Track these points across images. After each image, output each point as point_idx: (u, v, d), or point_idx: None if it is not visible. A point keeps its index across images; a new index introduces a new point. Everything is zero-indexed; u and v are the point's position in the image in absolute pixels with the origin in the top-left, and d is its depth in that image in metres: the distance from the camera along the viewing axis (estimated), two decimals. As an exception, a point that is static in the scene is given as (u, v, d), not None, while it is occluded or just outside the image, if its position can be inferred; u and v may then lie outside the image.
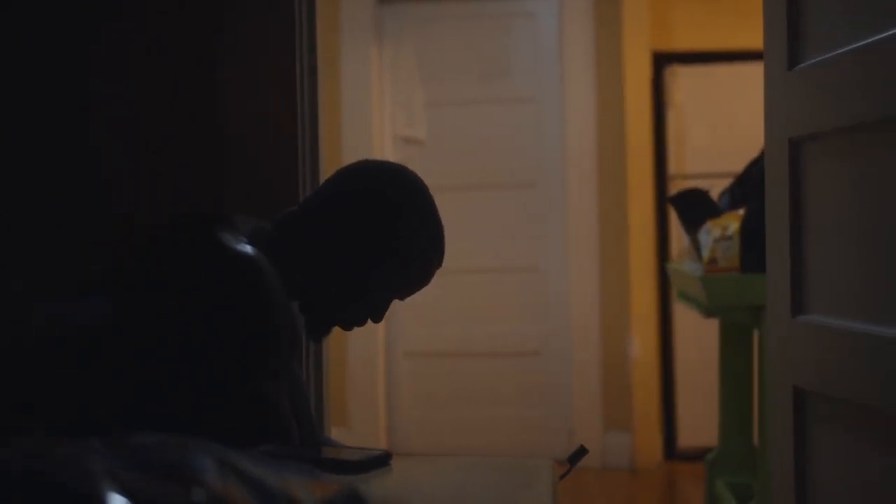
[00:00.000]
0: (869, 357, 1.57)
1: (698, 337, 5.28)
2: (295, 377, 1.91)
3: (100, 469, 0.75)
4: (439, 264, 1.92)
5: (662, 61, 5.34)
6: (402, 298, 1.93)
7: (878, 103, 1.52)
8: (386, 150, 5.40)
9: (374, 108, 5.30)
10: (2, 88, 2.26)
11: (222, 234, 1.71)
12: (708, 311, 3.08)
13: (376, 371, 5.32)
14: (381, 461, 1.39)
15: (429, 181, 5.39)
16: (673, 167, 5.33)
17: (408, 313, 5.43)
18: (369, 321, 1.85)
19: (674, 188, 5.29)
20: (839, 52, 1.65)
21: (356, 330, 5.24)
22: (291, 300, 1.91)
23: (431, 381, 5.43)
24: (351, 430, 5.31)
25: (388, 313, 5.43)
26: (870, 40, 1.56)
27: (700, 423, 5.30)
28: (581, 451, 1.65)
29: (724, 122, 5.25)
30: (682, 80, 5.26)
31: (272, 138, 2.22)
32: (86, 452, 0.77)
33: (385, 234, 1.84)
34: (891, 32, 1.50)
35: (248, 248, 1.70)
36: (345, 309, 1.88)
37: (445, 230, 5.33)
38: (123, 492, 0.74)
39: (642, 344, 5.25)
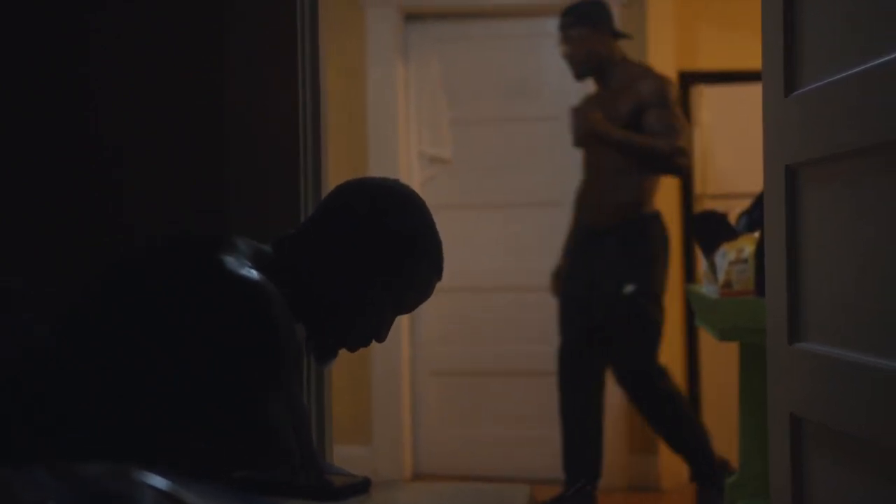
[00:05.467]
0: (863, 388, 1.56)
1: (724, 358, 5.24)
2: (294, 400, 1.91)
3: (31, 500, 0.76)
4: (439, 277, 1.93)
5: (688, 80, 5.32)
6: (405, 313, 1.94)
7: (874, 129, 1.52)
8: (412, 168, 5.42)
9: (400, 125, 5.32)
10: (9, 94, 2.29)
11: (226, 257, 1.73)
12: (722, 334, 3.06)
13: (401, 390, 5.32)
14: (359, 488, 1.40)
15: (455, 199, 5.40)
16: (699, 187, 5.31)
17: (432, 332, 5.43)
18: (374, 342, 1.89)
19: (700, 208, 5.27)
20: (835, 78, 1.64)
21: (380, 348, 5.24)
22: (296, 323, 1.92)
23: (456, 401, 5.42)
24: (375, 450, 5.31)
25: (412, 331, 5.44)
26: (865, 66, 1.55)
27: (727, 444, 5.25)
28: (581, 487, 1.65)
29: (751, 142, 5.22)
30: (708, 99, 5.24)
31: (273, 156, 2.24)
32: (21, 481, 0.78)
33: (384, 253, 1.85)
34: (885, 58, 1.49)
35: (253, 272, 1.72)
36: (348, 331, 1.89)
37: (470, 249, 5.33)
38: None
39: (668, 365, 5.21)
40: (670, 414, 4.43)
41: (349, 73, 5.32)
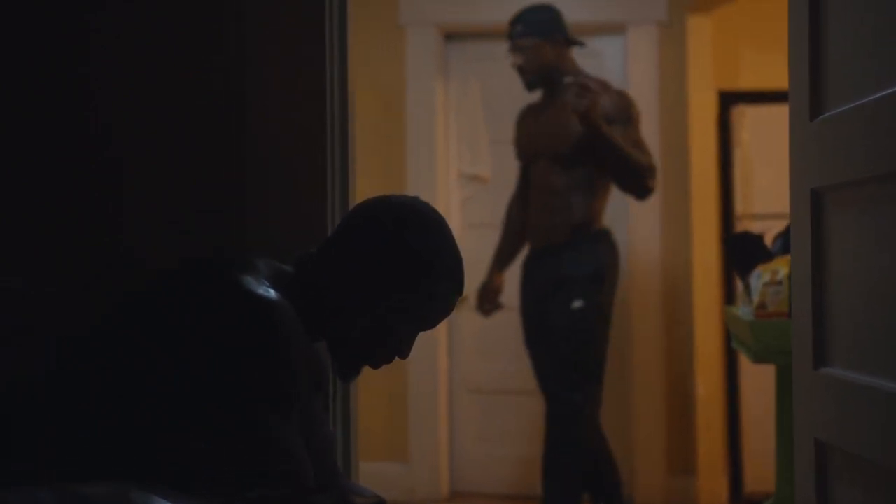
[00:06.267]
0: (886, 414, 1.54)
1: (765, 379, 5.19)
2: (316, 419, 1.92)
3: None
4: (460, 294, 1.93)
5: (729, 100, 5.29)
6: (425, 330, 1.94)
7: (890, 155, 1.51)
8: (450, 187, 5.43)
9: (438, 144, 5.33)
10: (9, 94, 2.30)
11: (242, 276, 1.75)
12: (756, 356, 3.04)
13: (438, 407, 5.32)
14: (374, 508, 1.41)
15: (493, 218, 5.39)
16: (740, 207, 5.27)
17: (469, 349, 5.43)
18: (397, 358, 1.91)
19: (740, 228, 5.23)
20: (860, 102, 1.63)
21: (417, 365, 5.25)
22: (317, 341, 1.93)
23: (494, 419, 5.41)
24: (412, 467, 5.31)
25: (449, 348, 5.44)
26: (882, 93, 1.54)
27: (767, 466, 5.20)
28: None
29: (792, 162, 5.19)
30: (749, 119, 5.21)
31: (300, 171, 2.24)
32: (28, 502, 0.80)
33: (403, 271, 1.86)
34: (904, 85, 1.48)
35: (270, 291, 1.74)
36: (370, 349, 1.90)
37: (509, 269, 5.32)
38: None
39: (707, 385, 5.18)
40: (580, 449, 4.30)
41: (389, 92, 5.34)
